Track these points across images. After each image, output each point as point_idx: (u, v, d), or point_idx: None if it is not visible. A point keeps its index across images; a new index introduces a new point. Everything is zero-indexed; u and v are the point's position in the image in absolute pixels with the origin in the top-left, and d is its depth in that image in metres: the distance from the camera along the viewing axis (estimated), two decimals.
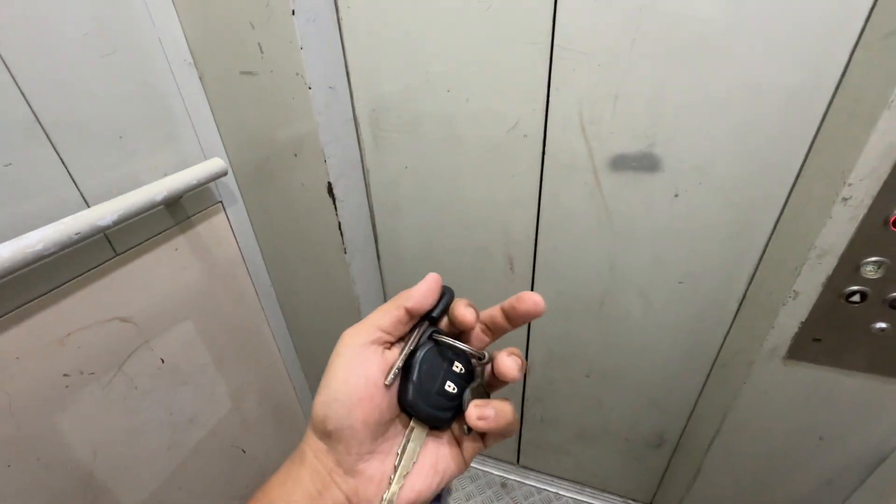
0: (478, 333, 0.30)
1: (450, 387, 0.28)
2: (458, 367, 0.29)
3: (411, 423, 0.27)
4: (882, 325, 0.55)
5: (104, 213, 0.53)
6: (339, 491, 0.25)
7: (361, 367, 0.26)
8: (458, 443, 0.29)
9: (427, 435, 0.28)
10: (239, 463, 0.91)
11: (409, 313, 0.27)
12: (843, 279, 0.54)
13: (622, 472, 1.07)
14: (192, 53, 0.67)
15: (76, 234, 0.50)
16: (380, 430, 0.26)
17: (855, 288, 0.54)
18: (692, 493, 0.87)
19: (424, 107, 0.70)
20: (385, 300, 0.98)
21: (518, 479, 1.16)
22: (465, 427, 0.28)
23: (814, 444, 0.70)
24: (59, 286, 0.55)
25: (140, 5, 0.59)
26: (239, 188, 0.79)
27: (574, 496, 1.12)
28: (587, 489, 1.14)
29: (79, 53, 0.54)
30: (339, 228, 0.77)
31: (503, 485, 1.16)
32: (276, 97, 0.66)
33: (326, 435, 0.25)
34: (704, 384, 0.84)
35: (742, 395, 0.70)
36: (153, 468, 0.72)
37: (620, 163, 0.65)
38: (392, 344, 0.28)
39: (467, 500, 1.12)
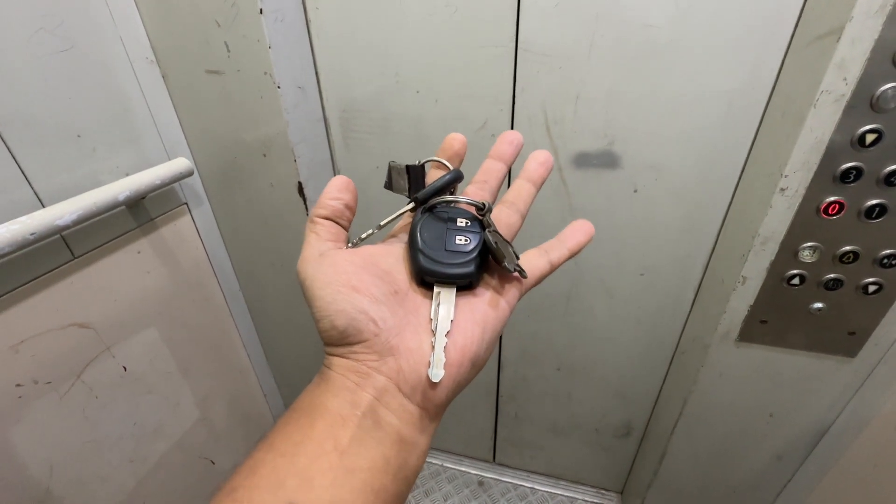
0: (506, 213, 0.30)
1: (459, 240, 0.26)
2: (462, 221, 0.27)
3: (435, 289, 0.25)
4: (818, 305, 0.60)
5: (63, 212, 0.51)
6: (378, 375, 0.23)
7: (334, 265, 0.24)
8: (497, 293, 0.27)
9: (457, 295, 0.25)
10: (208, 475, 0.87)
11: (330, 217, 0.27)
12: (784, 264, 0.59)
13: (593, 463, 1.10)
14: (154, 51, 0.65)
15: (31, 234, 0.48)
16: (396, 300, 0.25)
17: (794, 272, 0.59)
18: (659, 477, 0.91)
19: (394, 108, 0.72)
20: None
21: (494, 477, 1.18)
22: (508, 267, 0.25)
23: (765, 422, 0.75)
24: (12, 290, 0.52)
25: (98, 1, 0.58)
26: (205, 189, 0.78)
27: (549, 490, 1.14)
28: (561, 482, 1.16)
29: (32, 48, 0.52)
30: None
31: (480, 483, 1.17)
32: (244, 97, 0.66)
33: (342, 335, 0.23)
34: (667, 372, 0.89)
35: (700, 379, 0.74)
36: (115, 483, 0.68)
37: (583, 160, 0.69)
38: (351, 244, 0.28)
39: (445, 501, 1.12)
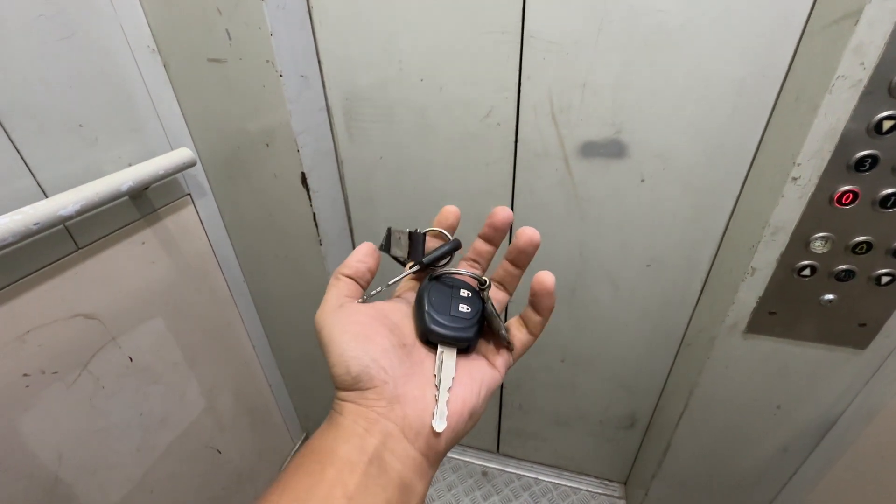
0: (494, 293, 0.33)
1: (463, 308, 0.29)
2: (464, 292, 0.31)
3: (439, 349, 0.28)
4: (829, 296, 0.59)
5: (65, 202, 0.51)
6: (386, 421, 0.25)
7: (350, 315, 0.27)
8: (489, 359, 0.30)
9: (457, 356, 0.29)
10: (214, 464, 0.88)
11: (353, 277, 0.30)
12: (795, 255, 0.58)
13: (597, 454, 1.11)
14: (155, 40, 0.65)
15: (35, 224, 0.48)
16: (404, 352, 0.27)
17: (805, 262, 0.58)
18: (663, 468, 0.90)
19: (398, 96, 0.71)
20: None
21: (498, 468, 1.18)
22: (504, 337, 0.29)
23: (771, 414, 0.75)
24: (17, 281, 0.53)
25: None
26: (208, 180, 0.77)
27: (552, 480, 1.15)
28: (565, 473, 1.17)
29: (32, 36, 0.51)
30: (314, 220, 0.76)
31: (484, 473, 1.17)
32: (246, 85, 0.65)
33: (355, 381, 0.25)
34: (672, 364, 0.88)
35: (706, 370, 0.73)
36: (123, 471, 0.69)
37: (589, 150, 0.68)
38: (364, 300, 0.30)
39: (449, 490, 1.13)
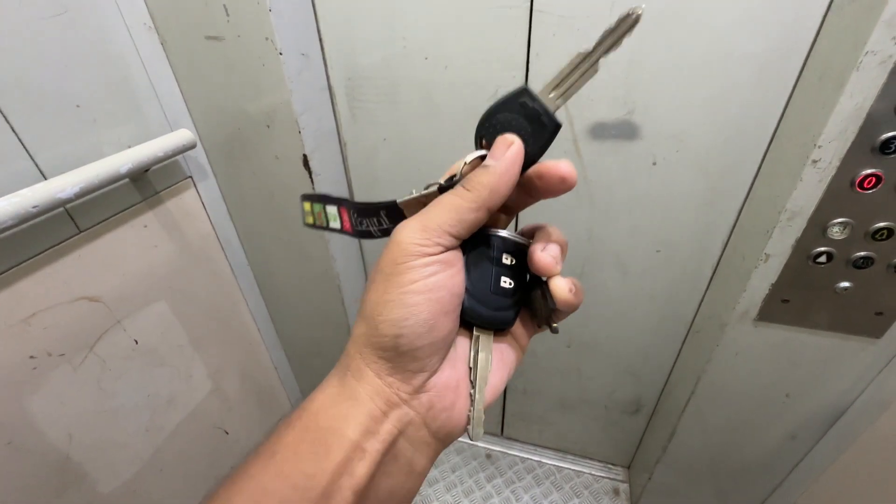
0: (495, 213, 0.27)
1: (505, 282, 0.25)
2: (507, 258, 0.25)
3: (475, 333, 0.24)
4: (845, 284, 0.57)
5: (64, 185, 0.50)
6: (408, 409, 0.22)
7: (442, 279, 0.21)
8: (516, 336, 0.27)
9: (493, 339, 0.25)
10: (222, 444, 0.90)
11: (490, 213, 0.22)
12: (811, 241, 0.56)
13: (601, 438, 1.11)
14: (151, 16, 0.63)
15: (34, 206, 0.47)
16: (447, 346, 0.23)
17: (822, 249, 0.56)
18: (668, 453, 0.90)
19: (402, 75, 0.68)
20: (366, 277, 0.97)
21: (502, 450, 1.19)
22: (548, 319, 0.25)
23: (780, 402, 0.74)
24: (20, 264, 0.52)
25: None
26: (209, 162, 0.76)
27: (556, 463, 1.16)
28: (568, 456, 1.18)
29: (24, 12, 0.50)
30: None
31: (488, 456, 1.18)
32: (245, 64, 0.63)
33: (397, 354, 0.21)
34: (680, 350, 0.87)
35: (715, 357, 0.72)
36: (133, 451, 0.70)
37: (600, 131, 0.65)
38: None
39: (453, 472, 1.15)
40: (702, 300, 0.78)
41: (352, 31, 0.67)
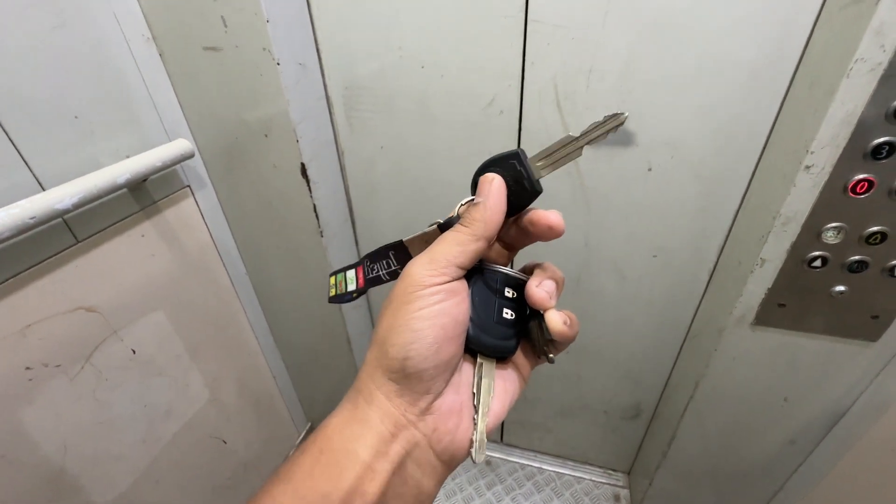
0: (499, 251, 0.29)
1: (507, 314, 0.27)
2: (508, 292, 0.27)
3: (479, 360, 0.26)
4: (841, 288, 0.58)
5: (62, 195, 0.50)
6: (415, 430, 0.23)
7: (448, 307, 0.23)
8: (517, 366, 0.28)
9: (496, 366, 0.27)
10: (219, 454, 0.89)
11: (488, 244, 0.25)
12: (806, 245, 0.56)
13: (601, 444, 1.11)
14: (150, 28, 0.63)
15: (31, 218, 0.47)
16: (451, 370, 0.25)
17: (816, 253, 0.56)
18: (667, 458, 0.90)
19: (398, 84, 0.69)
20: None
21: (502, 457, 1.19)
22: (545, 350, 0.27)
23: (779, 406, 0.74)
24: (17, 275, 0.52)
25: None
26: (207, 171, 0.76)
27: (556, 469, 1.15)
28: (569, 462, 1.17)
29: (23, 25, 0.50)
30: (315, 211, 0.75)
31: (488, 463, 1.18)
32: (243, 74, 0.64)
33: (404, 376, 0.23)
34: (678, 355, 0.87)
35: (713, 362, 0.72)
36: (128, 462, 0.70)
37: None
38: None
39: (452, 479, 1.14)
40: (699, 305, 0.79)
41: (349, 41, 0.67)
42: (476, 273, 0.26)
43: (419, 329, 0.22)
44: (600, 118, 0.25)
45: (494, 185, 0.24)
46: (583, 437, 1.11)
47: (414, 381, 0.23)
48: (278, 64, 0.61)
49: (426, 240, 0.27)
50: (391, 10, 0.63)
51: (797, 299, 0.61)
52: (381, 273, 0.29)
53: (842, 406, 0.71)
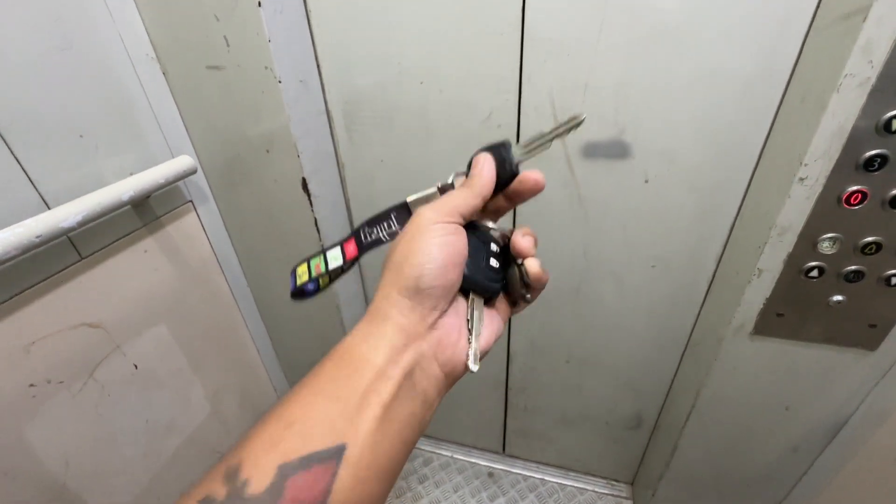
0: (487, 214, 0.35)
1: (493, 262, 0.32)
2: (493, 247, 0.33)
3: (471, 296, 0.31)
4: (838, 297, 0.58)
5: (67, 214, 0.51)
6: (423, 342, 0.27)
7: (453, 240, 0.29)
8: (498, 310, 0.34)
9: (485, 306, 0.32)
10: None
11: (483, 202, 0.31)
12: (802, 256, 0.57)
13: (604, 454, 1.10)
14: (154, 48, 0.65)
15: (37, 236, 0.48)
16: (453, 293, 0.29)
17: (813, 264, 0.57)
18: (670, 469, 0.90)
19: (398, 99, 0.70)
20: (365, 297, 0.98)
21: (504, 468, 1.18)
22: (522, 293, 0.33)
23: (780, 415, 0.74)
24: (21, 292, 0.53)
25: None
26: (210, 186, 0.77)
27: (559, 481, 1.15)
28: (571, 473, 1.16)
29: (30, 48, 0.51)
30: (316, 224, 0.76)
31: (490, 474, 1.17)
32: (245, 92, 0.65)
33: (417, 292, 0.27)
34: (679, 364, 0.87)
35: (713, 372, 0.73)
36: (130, 477, 0.70)
37: (592, 150, 0.67)
38: None
39: (455, 492, 1.13)
40: (698, 314, 0.79)
41: (349, 58, 0.69)
42: (470, 230, 0.32)
43: (431, 252, 0.27)
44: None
45: (487, 160, 0.32)
46: (585, 448, 1.10)
47: (424, 297, 0.27)
48: (280, 81, 0.63)
49: (426, 200, 0.33)
50: (390, 26, 0.64)
51: (795, 309, 0.61)
52: (381, 234, 0.34)
53: (843, 414, 0.71)
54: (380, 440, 0.24)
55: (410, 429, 0.26)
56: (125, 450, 0.68)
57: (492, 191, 0.31)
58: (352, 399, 0.24)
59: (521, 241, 0.32)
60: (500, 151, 0.32)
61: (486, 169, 0.31)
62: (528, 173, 0.32)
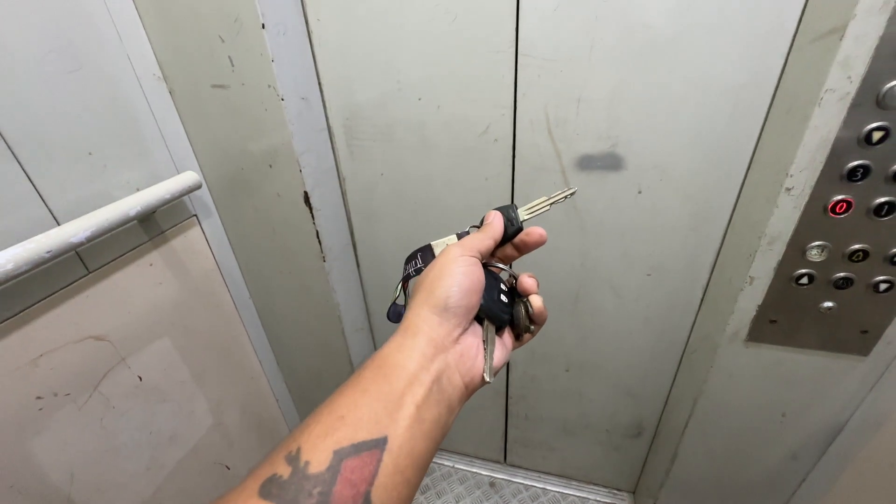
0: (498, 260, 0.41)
1: (503, 297, 0.37)
2: (503, 285, 0.38)
3: (486, 323, 0.36)
4: (829, 304, 0.60)
5: (77, 229, 0.52)
6: (449, 354, 0.32)
7: (474, 270, 0.34)
8: (504, 341, 0.38)
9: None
10: (223, 480, 0.89)
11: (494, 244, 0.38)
12: (792, 264, 0.58)
13: (605, 463, 1.10)
14: (161, 68, 0.67)
15: (48, 252, 0.49)
16: (473, 314, 0.35)
17: (803, 271, 0.58)
18: (671, 477, 0.90)
19: (397, 115, 0.72)
20: (366, 307, 0.99)
21: (506, 478, 1.18)
22: (527, 325, 0.38)
23: (778, 421, 0.75)
24: (30, 306, 0.54)
25: (106, 21, 0.59)
26: (213, 201, 0.79)
27: (560, 490, 1.14)
28: (573, 482, 1.16)
29: (42, 70, 0.53)
30: (317, 237, 0.77)
31: (492, 484, 1.17)
32: (249, 109, 0.67)
33: (445, 310, 0.32)
34: (676, 372, 0.88)
35: (710, 379, 0.74)
36: (133, 489, 0.70)
37: (587, 163, 0.69)
38: None
39: (457, 502, 1.13)
40: (694, 322, 0.80)
41: (349, 76, 0.71)
42: (486, 269, 0.37)
43: (457, 278, 0.33)
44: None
45: (497, 215, 0.40)
46: (586, 457, 1.10)
47: (451, 314, 0.32)
48: (282, 99, 0.65)
49: (447, 244, 0.40)
50: (389, 46, 0.67)
51: (788, 316, 0.63)
52: (410, 271, 0.41)
53: (840, 420, 0.72)
54: (415, 435, 0.27)
55: (438, 428, 0.30)
56: (129, 462, 0.69)
57: (501, 236, 0.38)
58: (391, 399, 0.28)
59: (527, 280, 0.38)
60: (507, 211, 0.39)
61: (496, 220, 0.39)
62: (534, 229, 0.39)
